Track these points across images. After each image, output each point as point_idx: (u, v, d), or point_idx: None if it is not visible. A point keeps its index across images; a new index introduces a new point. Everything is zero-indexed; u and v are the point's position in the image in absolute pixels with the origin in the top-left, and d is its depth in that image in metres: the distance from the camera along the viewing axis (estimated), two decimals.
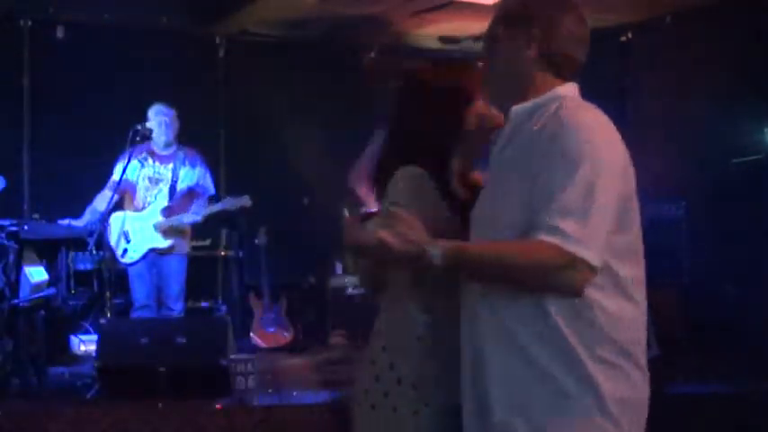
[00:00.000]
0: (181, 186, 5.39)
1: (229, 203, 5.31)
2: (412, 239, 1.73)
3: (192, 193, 5.39)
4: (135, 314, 5.36)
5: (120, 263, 5.37)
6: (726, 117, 6.25)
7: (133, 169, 5.36)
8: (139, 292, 5.35)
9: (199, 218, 5.33)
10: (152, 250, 5.31)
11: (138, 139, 5.21)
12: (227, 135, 7.62)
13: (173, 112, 5.42)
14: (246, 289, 6.91)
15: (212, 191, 5.52)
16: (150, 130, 5.30)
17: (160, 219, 5.30)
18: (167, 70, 7.06)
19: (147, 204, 5.35)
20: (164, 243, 5.30)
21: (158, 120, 5.34)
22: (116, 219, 5.31)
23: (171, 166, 5.40)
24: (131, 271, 5.38)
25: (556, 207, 1.68)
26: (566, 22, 1.89)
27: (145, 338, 4.53)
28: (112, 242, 5.34)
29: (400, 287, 2.01)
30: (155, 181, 5.39)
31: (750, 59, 6.22)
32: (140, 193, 5.38)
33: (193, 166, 5.45)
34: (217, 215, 5.44)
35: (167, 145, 5.43)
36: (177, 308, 5.39)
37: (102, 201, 5.29)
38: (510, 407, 1.74)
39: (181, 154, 5.46)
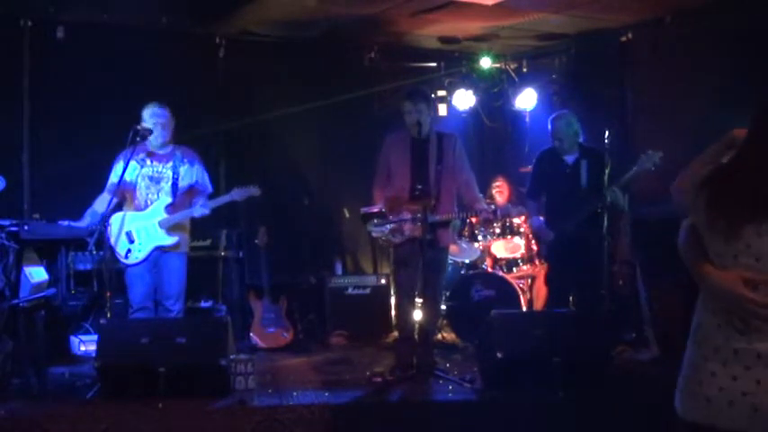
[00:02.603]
0: (182, 184, 5.40)
1: (238, 194, 5.32)
2: None
3: (192, 190, 5.41)
4: (132, 316, 5.32)
5: (122, 264, 5.34)
6: (726, 117, 6.23)
7: (132, 170, 5.36)
8: (137, 293, 5.32)
9: (207, 210, 5.33)
10: (157, 248, 5.30)
11: (138, 139, 5.22)
12: (227, 135, 7.62)
13: (167, 113, 5.41)
14: (246, 289, 6.91)
15: (210, 188, 5.53)
16: (150, 130, 5.30)
17: (165, 216, 5.30)
18: (167, 70, 7.05)
19: (149, 203, 5.35)
20: (169, 240, 5.31)
21: (153, 121, 5.34)
22: (116, 219, 5.30)
23: (171, 164, 5.40)
24: (131, 272, 5.34)
25: None
26: None
27: (145, 338, 4.53)
28: (113, 242, 5.32)
29: None
30: (156, 180, 5.39)
31: (750, 59, 6.22)
32: (141, 193, 5.37)
33: (192, 164, 5.46)
34: (225, 206, 5.41)
35: (163, 145, 5.43)
36: (175, 309, 5.34)
37: (101, 203, 5.29)
38: None
39: (178, 153, 5.47)
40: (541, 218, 6.01)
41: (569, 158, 5.88)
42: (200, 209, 5.31)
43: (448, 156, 5.37)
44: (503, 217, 6.67)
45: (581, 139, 5.95)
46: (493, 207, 5.73)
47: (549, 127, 5.94)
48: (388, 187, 5.46)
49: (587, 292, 5.80)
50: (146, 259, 5.32)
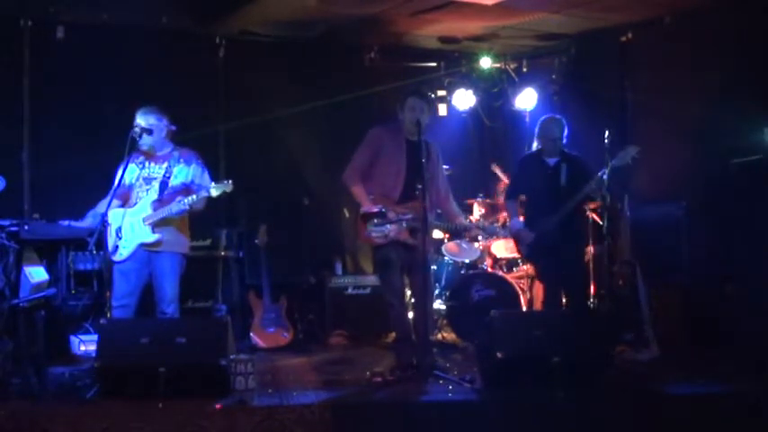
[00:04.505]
0: (174, 182, 5.34)
1: (213, 189, 5.23)
2: None
3: (187, 190, 5.35)
4: (113, 312, 5.18)
5: (110, 260, 5.29)
6: (726, 117, 6.25)
7: (131, 173, 5.35)
8: (119, 289, 5.23)
9: (186, 206, 5.24)
10: (142, 246, 5.26)
11: (137, 139, 5.22)
12: (227, 135, 7.62)
13: (162, 120, 5.37)
14: (246, 289, 6.91)
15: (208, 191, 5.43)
16: (149, 129, 5.29)
17: (150, 212, 5.26)
18: (167, 70, 7.06)
19: (138, 200, 5.33)
20: (151, 237, 5.24)
21: (144, 123, 5.32)
22: (115, 215, 5.28)
23: (165, 165, 5.38)
24: (117, 268, 5.27)
25: None
26: None
27: (145, 338, 4.52)
28: (110, 241, 5.30)
29: None
30: (149, 180, 5.36)
31: (749, 59, 6.22)
32: (134, 192, 5.36)
33: (188, 163, 5.42)
34: (204, 202, 5.32)
35: (158, 149, 5.41)
36: (169, 311, 5.29)
37: (104, 205, 5.28)
38: None
39: (176, 153, 5.44)
40: (521, 218, 6.05)
41: (551, 161, 5.94)
42: (178, 205, 5.26)
43: (433, 162, 5.40)
44: (488, 236, 6.72)
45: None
46: (481, 224, 5.77)
47: (540, 129, 5.97)
48: (369, 183, 5.38)
49: (573, 285, 5.89)
50: (131, 257, 5.25)
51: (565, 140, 5.94)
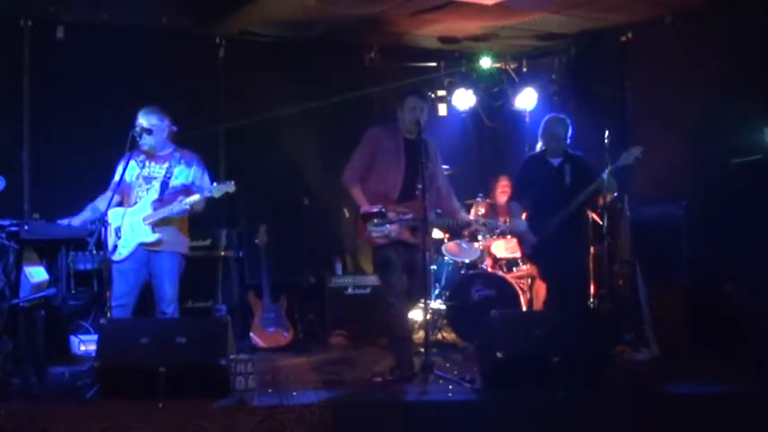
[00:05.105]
0: (174, 183, 5.34)
1: (215, 190, 5.23)
2: None
3: (187, 191, 5.35)
4: (113, 312, 5.14)
5: (109, 259, 5.27)
6: (726, 117, 6.25)
7: (132, 170, 5.35)
8: (118, 289, 5.23)
9: (187, 207, 5.23)
10: (141, 245, 5.25)
11: (138, 139, 5.21)
12: (227, 135, 7.63)
13: (157, 118, 5.37)
14: (246, 289, 6.91)
15: (210, 191, 5.42)
16: (150, 130, 5.29)
17: (150, 212, 5.26)
18: (167, 70, 7.06)
19: (138, 200, 5.33)
20: (151, 237, 5.24)
21: (146, 123, 5.31)
22: (115, 215, 5.27)
23: (166, 165, 5.38)
24: (115, 268, 5.27)
25: None
26: None
27: (145, 338, 4.52)
28: (110, 240, 5.29)
29: None
30: (149, 179, 5.36)
31: (749, 59, 6.22)
32: (134, 191, 5.36)
33: (189, 165, 5.41)
34: (206, 203, 5.31)
35: (159, 149, 5.40)
36: (169, 311, 5.30)
37: (103, 201, 5.28)
38: None
39: (177, 154, 5.45)
40: (524, 217, 6.06)
41: (555, 161, 5.96)
42: (179, 205, 5.26)
43: (432, 161, 5.40)
44: (490, 231, 6.71)
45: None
46: (481, 221, 5.79)
47: (544, 129, 5.97)
48: (368, 183, 5.38)
49: (574, 285, 5.92)
50: (130, 257, 5.26)
51: (569, 140, 5.94)
